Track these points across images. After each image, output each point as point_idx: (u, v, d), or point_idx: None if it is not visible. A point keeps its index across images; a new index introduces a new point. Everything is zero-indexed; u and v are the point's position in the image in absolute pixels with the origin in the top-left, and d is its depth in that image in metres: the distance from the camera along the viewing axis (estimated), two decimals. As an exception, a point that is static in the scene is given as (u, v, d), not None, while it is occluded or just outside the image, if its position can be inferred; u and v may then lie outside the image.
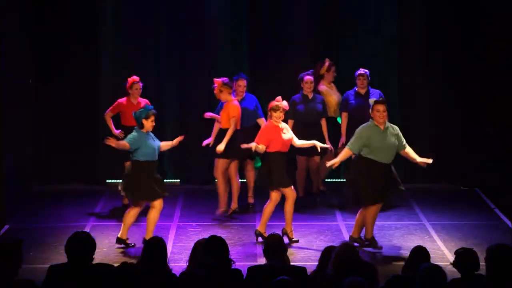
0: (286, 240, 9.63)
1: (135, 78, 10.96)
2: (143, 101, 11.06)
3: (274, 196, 9.79)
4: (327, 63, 11.47)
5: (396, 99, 12.12)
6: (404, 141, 9.51)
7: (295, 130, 11.06)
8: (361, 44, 12.28)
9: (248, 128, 10.92)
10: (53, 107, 12.16)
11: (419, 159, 9.47)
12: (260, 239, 9.80)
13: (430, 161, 9.44)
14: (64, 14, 11.97)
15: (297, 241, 9.81)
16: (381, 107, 9.33)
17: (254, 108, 11.04)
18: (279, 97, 9.77)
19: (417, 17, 12.17)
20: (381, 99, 9.98)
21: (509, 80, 11.33)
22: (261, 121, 11.02)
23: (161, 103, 11.83)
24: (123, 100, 10.97)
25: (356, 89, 11.20)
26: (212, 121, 11.63)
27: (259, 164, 12.39)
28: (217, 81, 10.57)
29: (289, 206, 9.80)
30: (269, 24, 12.28)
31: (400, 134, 9.50)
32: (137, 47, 12.20)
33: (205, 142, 10.92)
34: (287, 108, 9.81)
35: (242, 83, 10.96)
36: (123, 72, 11.46)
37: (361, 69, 11.20)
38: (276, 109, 9.63)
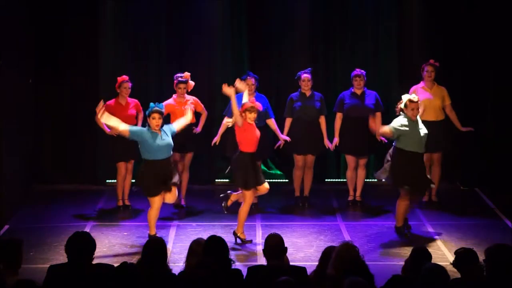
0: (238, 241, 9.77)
1: (124, 77, 10.95)
2: (133, 102, 11.06)
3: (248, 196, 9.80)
4: (423, 64, 11.18)
5: (396, 99, 12.11)
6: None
7: (293, 128, 11.11)
8: (361, 44, 12.29)
9: (259, 128, 10.96)
10: (53, 107, 12.16)
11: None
12: (238, 240, 9.84)
13: None
14: (64, 14, 11.97)
15: (250, 241, 9.82)
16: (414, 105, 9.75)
17: (265, 109, 11.05)
18: (253, 98, 9.81)
19: (417, 17, 12.17)
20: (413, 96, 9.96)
21: (509, 80, 11.33)
22: (271, 121, 11.06)
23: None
24: (111, 102, 10.94)
25: (352, 89, 11.19)
26: (215, 121, 11.67)
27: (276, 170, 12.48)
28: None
29: (244, 209, 9.80)
30: (269, 24, 12.29)
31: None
32: (137, 47, 12.21)
33: (213, 140, 11.06)
34: (261, 108, 9.86)
35: (250, 82, 10.96)
36: (122, 72, 11.44)
37: (357, 69, 11.19)
38: (251, 110, 9.62)
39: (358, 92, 11.15)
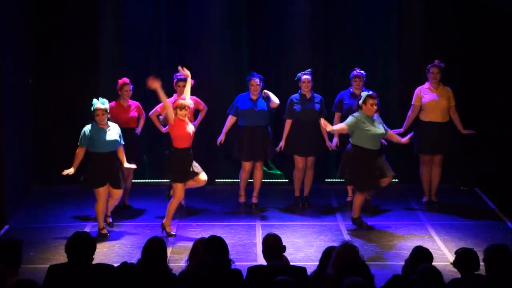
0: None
1: (125, 80, 10.96)
2: (134, 104, 11.06)
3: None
4: (428, 65, 11.14)
5: (396, 99, 12.13)
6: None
7: (293, 129, 11.11)
8: (361, 44, 12.29)
9: (261, 127, 10.99)
10: (52, 107, 12.16)
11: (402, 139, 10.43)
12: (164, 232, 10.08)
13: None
14: (64, 14, 11.96)
15: (174, 235, 10.06)
16: (373, 101, 10.07)
17: (268, 108, 11.07)
18: (183, 95, 10.02)
19: (417, 17, 12.17)
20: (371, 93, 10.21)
21: (509, 80, 11.32)
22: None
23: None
24: (112, 104, 10.93)
25: (351, 89, 11.17)
26: (215, 120, 11.67)
27: (275, 170, 12.47)
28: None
29: (174, 203, 10.05)
30: (269, 24, 12.29)
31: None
32: (137, 47, 12.20)
33: (218, 140, 11.15)
34: (191, 106, 10.02)
35: (255, 83, 11.00)
36: (123, 72, 11.45)
37: (356, 69, 11.15)
38: (182, 107, 9.86)
39: (357, 92, 11.10)
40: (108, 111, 10.03)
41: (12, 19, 10.87)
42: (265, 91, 11.00)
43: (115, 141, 10.01)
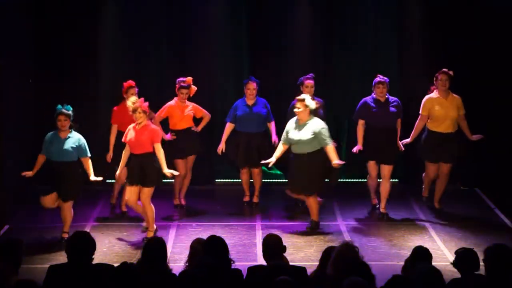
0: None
1: (131, 82, 10.90)
2: None
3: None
4: (437, 73, 10.86)
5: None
6: (326, 140, 10.02)
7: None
8: (361, 46, 12.28)
9: (258, 134, 10.97)
10: (53, 107, 12.13)
11: (335, 161, 10.06)
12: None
13: (341, 162, 10.08)
14: (64, 15, 11.96)
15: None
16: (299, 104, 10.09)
17: (266, 113, 11.05)
18: (141, 98, 9.85)
19: (417, 17, 12.17)
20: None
21: (509, 80, 11.32)
22: (271, 125, 11.15)
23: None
24: (115, 108, 10.89)
25: (375, 96, 10.80)
26: (215, 121, 11.66)
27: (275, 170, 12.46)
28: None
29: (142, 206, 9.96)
30: (270, 27, 12.27)
31: (322, 133, 10.01)
32: (138, 49, 12.20)
33: (219, 149, 11.13)
34: (144, 108, 9.78)
35: (251, 86, 10.98)
36: (123, 73, 11.46)
37: (380, 76, 10.79)
38: (133, 110, 9.76)
39: (382, 99, 10.76)
40: (71, 117, 9.80)
41: (12, 19, 10.86)
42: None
43: (68, 151, 9.80)
